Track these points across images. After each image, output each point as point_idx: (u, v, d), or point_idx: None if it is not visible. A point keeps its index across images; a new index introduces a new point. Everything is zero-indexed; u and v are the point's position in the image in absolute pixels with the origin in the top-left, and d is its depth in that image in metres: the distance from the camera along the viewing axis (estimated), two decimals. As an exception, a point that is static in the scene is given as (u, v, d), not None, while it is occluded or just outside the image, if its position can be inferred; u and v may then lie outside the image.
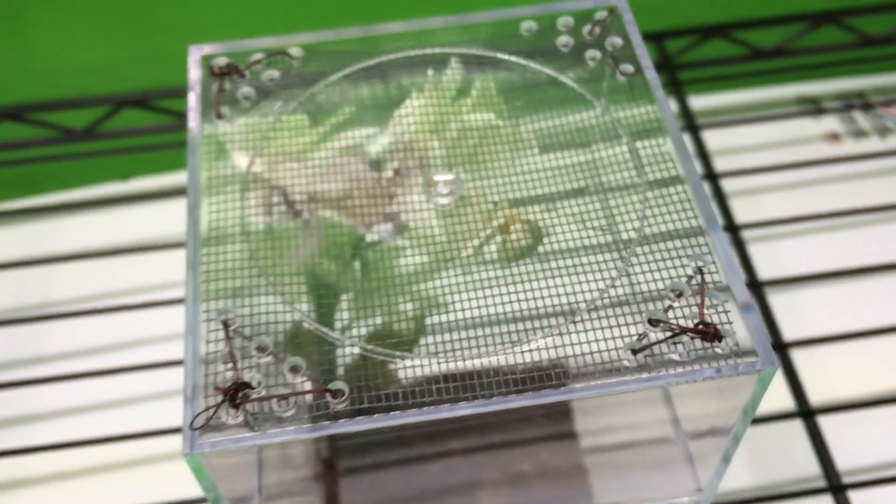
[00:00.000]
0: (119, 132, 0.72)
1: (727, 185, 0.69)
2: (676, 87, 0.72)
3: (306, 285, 0.42)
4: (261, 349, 0.37)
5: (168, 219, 0.69)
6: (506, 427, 0.52)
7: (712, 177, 0.67)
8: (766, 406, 0.57)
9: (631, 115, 0.43)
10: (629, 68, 0.44)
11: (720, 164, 0.70)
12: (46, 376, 0.59)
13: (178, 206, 0.69)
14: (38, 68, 0.72)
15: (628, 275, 0.39)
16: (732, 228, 0.65)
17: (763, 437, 0.57)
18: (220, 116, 0.43)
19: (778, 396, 0.58)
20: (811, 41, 0.74)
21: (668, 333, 0.37)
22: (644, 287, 0.38)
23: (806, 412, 0.56)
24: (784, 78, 0.78)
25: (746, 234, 0.66)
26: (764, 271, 0.64)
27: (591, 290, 0.38)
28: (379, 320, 0.41)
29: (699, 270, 0.38)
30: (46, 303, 0.66)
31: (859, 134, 0.75)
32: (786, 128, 0.75)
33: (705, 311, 0.37)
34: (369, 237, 0.44)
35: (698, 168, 0.68)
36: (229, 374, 0.36)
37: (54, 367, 0.62)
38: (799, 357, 0.60)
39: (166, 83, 0.71)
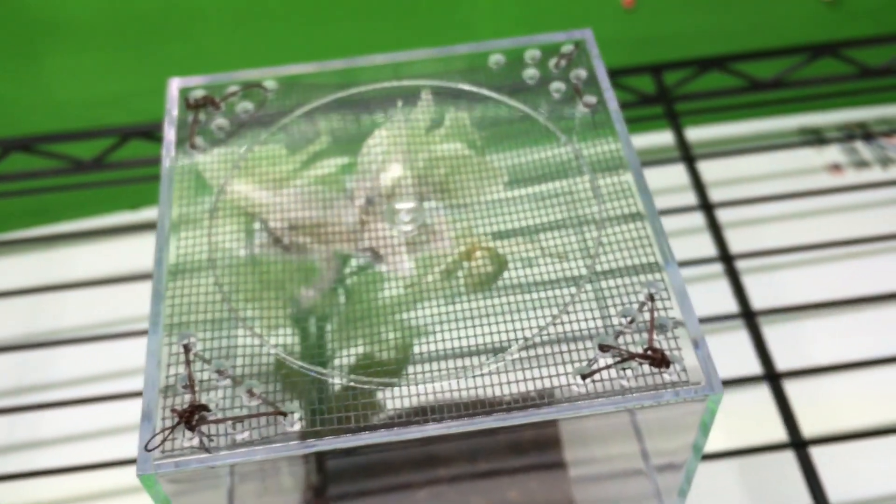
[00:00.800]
0: (127, 162, 0.73)
1: (725, 215, 0.69)
2: (673, 119, 0.72)
3: (285, 314, 0.44)
4: (219, 372, 0.38)
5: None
6: (493, 455, 0.52)
7: (707, 207, 0.68)
8: (759, 437, 0.57)
9: (597, 150, 0.44)
10: (591, 100, 0.45)
11: (718, 195, 0.70)
12: (53, 401, 0.60)
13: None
14: (49, 100, 0.74)
15: (581, 301, 0.39)
16: (727, 259, 0.65)
17: (755, 469, 0.57)
18: (193, 146, 0.44)
19: (771, 428, 0.58)
20: (810, 72, 0.74)
21: (618, 358, 0.37)
22: (598, 314, 0.39)
23: (798, 443, 0.56)
24: (784, 109, 0.78)
25: (743, 265, 0.66)
26: (760, 301, 0.64)
27: (545, 317, 0.39)
28: (361, 349, 0.42)
29: (650, 297, 0.39)
30: (56, 330, 0.67)
31: (861, 164, 0.75)
32: (786, 158, 0.75)
33: (654, 337, 0.38)
34: (351, 264, 0.45)
35: (693, 199, 0.69)
36: (189, 397, 0.37)
37: (62, 393, 0.63)
38: (793, 388, 0.60)
39: (172, 115, 0.73)
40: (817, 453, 0.56)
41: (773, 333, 0.62)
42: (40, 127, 0.74)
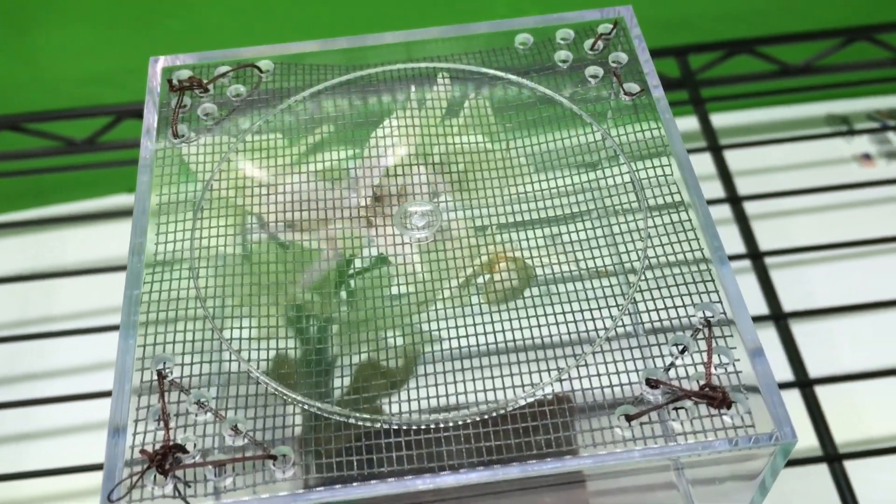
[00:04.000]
0: (122, 143, 0.66)
1: (751, 208, 0.61)
2: (699, 105, 0.64)
3: (281, 318, 0.36)
4: (199, 405, 0.31)
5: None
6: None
7: (735, 200, 0.60)
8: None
9: (635, 137, 0.36)
10: (634, 88, 0.37)
11: (744, 187, 0.62)
12: (45, 397, 0.53)
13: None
14: (40, 77, 0.67)
15: (624, 325, 0.32)
16: (756, 255, 0.57)
17: (784, 481, 0.50)
18: (176, 135, 0.36)
19: (802, 436, 0.50)
20: (842, 58, 0.66)
21: (669, 397, 0.30)
22: (642, 339, 0.31)
23: (832, 457, 0.49)
24: (813, 96, 0.70)
25: (770, 261, 0.59)
26: (789, 302, 0.56)
27: (581, 343, 0.32)
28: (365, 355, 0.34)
29: (707, 322, 0.31)
30: (48, 317, 0.61)
31: (893, 155, 0.67)
32: (814, 148, 0.67)
33: (713, 370, 0.30)
34: (355, 265, 0.38)
35: (719, 190, 0.61)
36: (161, 434, 0.30)
37: (54, 384, 0.57)
38: (827, 394, 0.52)
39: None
40: (851, 465, 0.49)
41: (802, 336, 0.55)
42: (31, 105, 0.66)
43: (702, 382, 0.30)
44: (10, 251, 0.65)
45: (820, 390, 0.52)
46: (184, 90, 0.37)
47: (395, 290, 0.35)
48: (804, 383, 0.52)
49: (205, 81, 0.37)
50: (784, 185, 0.62)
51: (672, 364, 0.31)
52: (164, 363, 0.31)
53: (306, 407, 0.31)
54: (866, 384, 0.54)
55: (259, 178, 0.36)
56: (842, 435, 0.51)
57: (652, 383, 0.30)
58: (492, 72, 0.38)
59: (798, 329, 0.55)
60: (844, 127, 0.69)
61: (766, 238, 0.60)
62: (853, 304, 0.56)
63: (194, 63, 0.40)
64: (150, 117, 0.37)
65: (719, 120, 0.67)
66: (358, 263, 0.38)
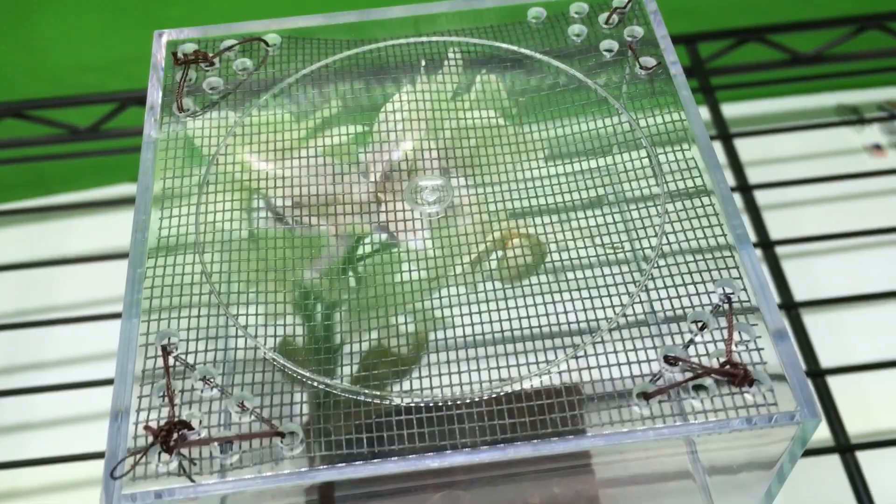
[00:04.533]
0: (125, 131, 0.65)
1: (761, 197, 0.60)
2: (708, 94, 0.63)
3: (288, 299, 0.35)
4: (205, 380, 0.29)
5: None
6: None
7: (745, 189, 0.59)
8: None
9: (652, 116, 0.35)
10: (650, 61, 0.36)
11: (754, 176, 0.61)
12: (45, 385, 0.52)
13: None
14: (42, 64, 0.65)
15: (641, 301, 0.31)
16: (766, 245, 0.56)
17: (796, 472, 0.49)
18: (182, 109, 0.35)
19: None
20: (854, 47, 0.65)
21: (689, 374, 0.29)
22: (661, 315, 0.30)
23: (844, 448, 0.48)
24: (823, 86, 0.69)
25: (780, 251, 0.57)
26: (799, 292, 0.55)
27: (597, 319, 0.30)
28: (374, 341, 0.33)
29: (727, 298, 0.30)
30: (50, 306, 0.60)
31: (904, 146, 0.66)
32: (825, 138, 0.66)
33: (733, 348, 0.29)
34: (364, 246, 0.37)
35: (730, 179, 0.60)
36: (166, 411, 0.29)
37: (54, 375, 0.55)
38: (837, 385, 0.51)
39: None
40: (863, 457, 0.48)
41: (812, 326, 0.54)
42: (34, 92, 0.65)
43: (722, 360, 0.29)
44: (12, 240, 0.64)
45: (832, 381, 0.51)
46: (189, 63, 0.36)
47: (404, 268, 0.34)
48: (816, 373, 0.51)
49: (210, 55, 0.36)
50: (794, 175, 0.61)
51: (691, 341, 0.30)
52: (169, 338, 0.30)
53: (315, 384, 0.30)
54: (878, 375, 0.53)
55: (265, 156, 0.35)
56: (854, 426, 0.50)
57: (671, 360, 0.29)
58: (513, 47, 0.37)
59: (809, 319, 0.54)
60: (854, 117, 0.68)
61: (777, 227, 0.59)
62: (864, 293, 0.55)
63: (199, 37, 0.39)
64: (154, 92, 0.36)
65: (729, 109, 0.66)
66: (367, 243, 0.37)
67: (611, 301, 0.31)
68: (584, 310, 0.31)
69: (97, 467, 0.49)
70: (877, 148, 0.67)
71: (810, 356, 0.52)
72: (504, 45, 0.38)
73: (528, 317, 0.31)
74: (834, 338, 0.55)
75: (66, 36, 0.64)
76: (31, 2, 0.63)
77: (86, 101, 0.65)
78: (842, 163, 0.65)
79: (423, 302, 0.33)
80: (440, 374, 0.30)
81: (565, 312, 0.31)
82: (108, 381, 0.50)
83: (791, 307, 0.54)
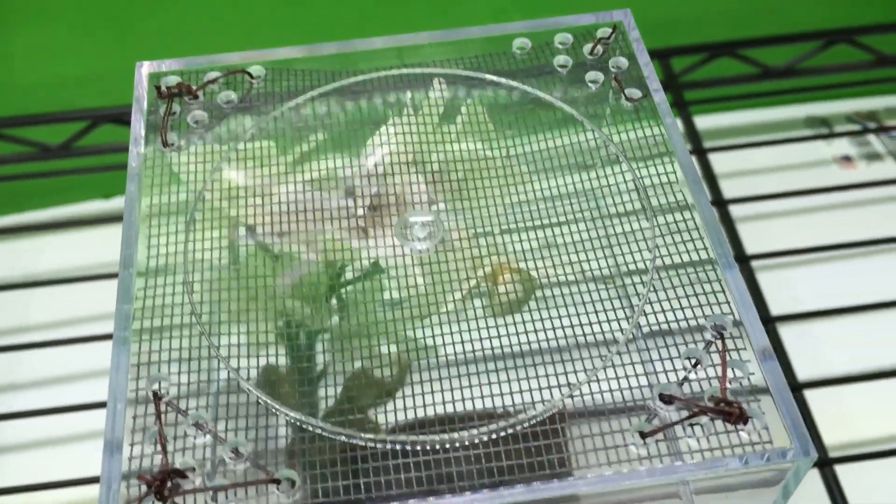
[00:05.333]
0: (98, 148, 0.64)
1: (735, 211, 0.60)
2: (682, 108, 0.63)
3: (275, 330, 0.34)
4: (198, 426, 0.29)
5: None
6: None
7: (721, 203, 0.59)
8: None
9: (635, 139, 0.35)
10: (636, 93, 0.36)
11: (727, 188, 0.61)
12: (19, 410, 0.51)
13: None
14: (13, 82, 0.64)
15: (635, 338, 0.30)
16: (743, 259, 0.57)
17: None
18: (166, 144, 0.35)
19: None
20: (824, 60, 0.66)
21: (684, 413, 0.29)
22: (654, 353, 0.30)
23: (823, 461, 0.48)
24: (793, 99, 0.69)
25: (756, 264, 0.58)
26: (775, 305, 0.55)
27: (591, 357, 0.30)
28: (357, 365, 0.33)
29: (719, 334, 0.30)
30: (23, 327, 0.58)
31: (873, 157, 0.67)
32: (796, 150, 0.67)
33: (727, 386, 0.29)
34: (347, 274, 0.36)
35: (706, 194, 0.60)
36: (159, 458, 0.28)
37: (27, 398, 0.54)
38: (814, 398, 0.51)
39: (146, 99, 0.63)
40: (841, 469, 0.48)
41: (789, 338, 0.54)
42: (4, 110, 0.64)
43: (717, 397, 0.29)
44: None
45: (809, 394, 0.52)
46: (173, 97, 0.35)
47: (391, 301, 0.33)
48: (793, 387, 0.51)
49: (194, 88, 0.35)
50: (767, 187, 0.61)
51: (685, 378, 0.29)
52: (160, 383, 0.30)
53: (309, 427, 0.29)
54: (855, 387, 0.53)
55: (250, 188, 0.35)
56: (831, 438, 0.50)
57: (665, 398, 0.29)
58: (491, 77, 0.37)
59: (785, 332, 0.55)
60: (825, 129, 0.69)
61: (750, 240, 0.59)
62: (840, 307, 0.55)
63: (180, 69, 0.38)
64: (137, 126, 0.35)
65: (701, 121, 0.66)
66: (355, 273, 0.36)
67: (604, 338, 0.31)
68: (578, 346, 0.30)
69: (76, 494, 0.48)
70: (846, 160, 0.67)
71: (787, 370, 0.52)
72: (490, 76, 0.37)
73: (522, 354, 0.30)
74: (811, 351, 0.55)
75: (36, 52, 0.63)
76: (1, 18, 0.61)
77: (57, 119, 0.63)
78: (812, 174, 0.65)
79: (415, 335, 0.32)
80: (435, 416, 0.29)
81: (559, 350, 0.30)
82: (84, 406, 0.50)
83: (768, 321, 0.54)
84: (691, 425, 0.28)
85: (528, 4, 0.63)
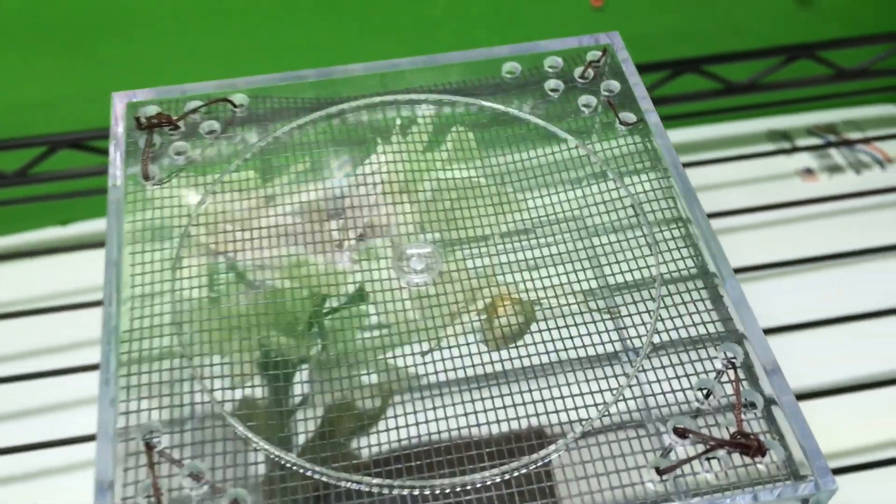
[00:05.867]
0: (56, 175, 0.61)
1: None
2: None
3: (256, 364, 0.33)
4: (194, 477, 0.27)
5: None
6: None
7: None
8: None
9: (639, 181, 0.34)
10: (630, 117, 0.35)
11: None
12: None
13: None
14: (-34, 107, 0.61)
15: (644, 369, 0.29)
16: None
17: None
18: (147, 178, 0.33)
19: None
20: (785, 75, 0.66)
21: (701, 447, 0.28)
22: (663, 385, 0.29)
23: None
24: (756, 113, 0.69)
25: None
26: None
27: (601, 390, 0.29)
28: (338, 395, 0.31)
29: (730, 363, 0.29)
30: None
31: (834, 169, 0.67)
32: (759, 164, 0.67)
33: (742, 417, 0.28)
34: (327, 305, 0.35)
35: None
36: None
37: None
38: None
39: (105, 123, 0.60)
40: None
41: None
42: (-44, 137, 0.61)
43: (733, 431, 0.28)
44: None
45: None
46: (153, 128, 0.33)
47: (396, 344, 0.32)
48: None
49: (174, 118, 0.34)
50: (731, 201, 0.61)
51: (699, 410, 0.28)
52: (151, 432, 0.28)
53: (310, 474, 0.28)
54: (826, 400, 0.53)
55: (235, 219, 0.33)
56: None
57: (680, 432, 0.28)
58: (484, 103, 0.36)
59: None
60: (786, 143, 0.69)
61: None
62: (808, 321, 0.55)
63: (154, 98, 0.36)
64: (117, 160, 0.33)
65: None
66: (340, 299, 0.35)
67: (612, 370, 0.30)
68: (587, 380, 0.29)
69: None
70: (808, 172, 0.67)
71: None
72: (483, 102, 0.36)
73: (530, 390, 0.29)
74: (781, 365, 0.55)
75: (-10, 77, 0.61)
76: (-47, 42, 0.59)
77: (13, 145, 0.61)
78: (775, 187, 0.65)
79: (411, 374, 0.31)
80: (438, 459, 0.28)
81: (567, 384, 0.29)
82: (45, 444, 0.47)
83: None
84: (708, 459, 0.27)
85: (497, 31, 0.63)
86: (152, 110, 0.34)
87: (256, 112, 0.36)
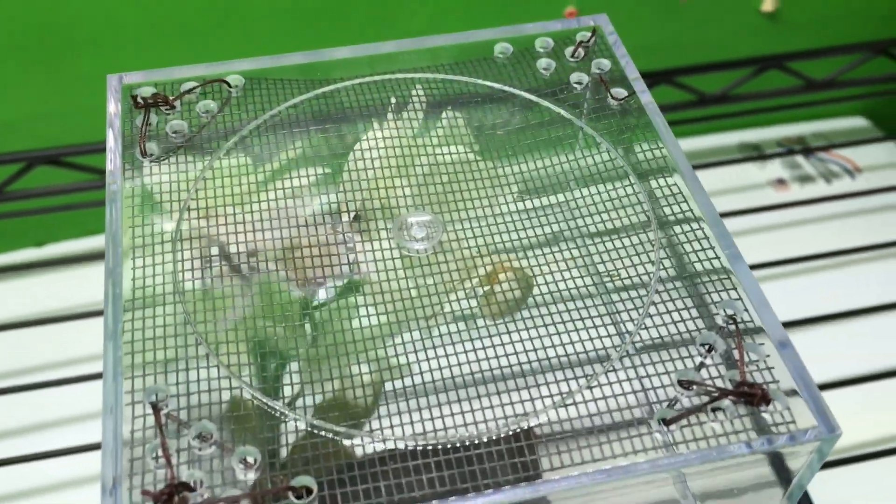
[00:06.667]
0: (32, 192, 0.61)
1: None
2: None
3: (249, 353, 0.33)
4: (202, 438, 0.27)
5: (89, 286, 0.58)
6: None
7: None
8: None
9: (623, 141, 0.35)
10: (622, 92, 0.36)
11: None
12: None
13: (100, 272, 0.58)
14: (-59, 124, 0.61)
15: (646, 327, 0.30)
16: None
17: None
18: (144, 154, 0.33)
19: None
20: (756, 86, 0.67)
21: (706, 398, 0.28)
22: (666, 339, 0.30)
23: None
24: (728, 125, 0.71)
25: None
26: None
27: (605, 347, 0.29)
28: (330, 389, 0.31)
29: (731, 319, 0.30)
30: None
31: (805, 179, 0.68)
32: (732, 175, 0.68)
33: (745, 369, 0.29)
34: (322, 294, 0.35)
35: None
36: (162, 473, 0.26)
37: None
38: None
39: (83, 139, 0.61)
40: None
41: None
42: (-69, 154, 0.60)
43: (736, 381, 0.28)
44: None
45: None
46: (149, 107, 0.33)
47: (389, 310, 0.32)
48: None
49: (170, 98, 0.34)
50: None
51: (702, 364, 0.29)
52: (157, 395, 0.28)
53: (317, 431, 0.28)
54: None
55: (228, 205, 0.33)
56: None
57: (685, 384, 0.28)
58: (497, 86, 0.36)
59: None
60: (756, 153, 0.70)
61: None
62: (788, 320, 0.56)
63: (148, 81, 0.36)
64: (114, 140, 0.33)
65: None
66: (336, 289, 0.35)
67: (616, 329, 0.30)
68: (591, 339, 0.30)
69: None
70: (780, 182, 0.69)
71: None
72: (480, 81, 0.37)
73: (535, 349, 0.29)
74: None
75: (-35, 94, 0.61)
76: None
77: (-11, 163, 0.61)
78: (749, 198, 0.67)
79: (413, 339, 0.31)
80: (452, 414, 0.28)
81: (571, 343, 0.29)
82: (35, 456, 0.47)
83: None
84: (713, 410, 0.28)
85: (468, 17, 0.63)
86: (148, 91, 0.34)
87: (249, 94, 0.36)
